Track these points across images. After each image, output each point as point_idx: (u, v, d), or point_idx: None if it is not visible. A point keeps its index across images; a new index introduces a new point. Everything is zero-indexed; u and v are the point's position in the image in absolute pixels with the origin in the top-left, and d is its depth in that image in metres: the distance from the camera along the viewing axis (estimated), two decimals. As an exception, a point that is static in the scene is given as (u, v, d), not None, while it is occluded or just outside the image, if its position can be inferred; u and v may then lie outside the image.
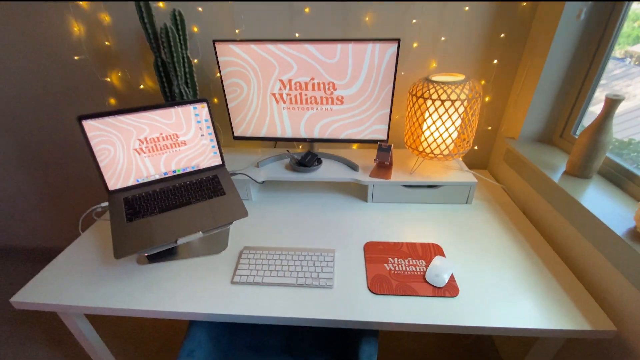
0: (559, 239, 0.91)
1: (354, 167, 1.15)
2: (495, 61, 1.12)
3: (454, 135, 1.02)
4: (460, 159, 1.21)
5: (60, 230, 1.76)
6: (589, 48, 0.96)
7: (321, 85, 1.05)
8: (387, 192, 1.10)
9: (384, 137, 1.12)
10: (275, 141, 1.30)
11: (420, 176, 1.09)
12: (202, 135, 0.99)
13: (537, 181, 0.99)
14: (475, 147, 1.30)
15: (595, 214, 0.77)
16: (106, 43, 1.18)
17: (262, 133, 1.17)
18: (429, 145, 1.03)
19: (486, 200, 1.11)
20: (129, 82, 1.25)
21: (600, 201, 0.81)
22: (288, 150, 1.28)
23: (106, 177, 0.90)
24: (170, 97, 1.09)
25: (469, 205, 1.09)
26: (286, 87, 1.06)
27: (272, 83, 1.06)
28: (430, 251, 0.90)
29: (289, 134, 1.16)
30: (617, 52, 0.93)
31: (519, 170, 1.09)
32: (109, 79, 1.25)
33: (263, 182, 1.16)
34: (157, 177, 0.97)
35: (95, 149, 0.87)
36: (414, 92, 1.01)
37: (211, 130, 1.00)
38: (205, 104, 0.96)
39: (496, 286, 0.78)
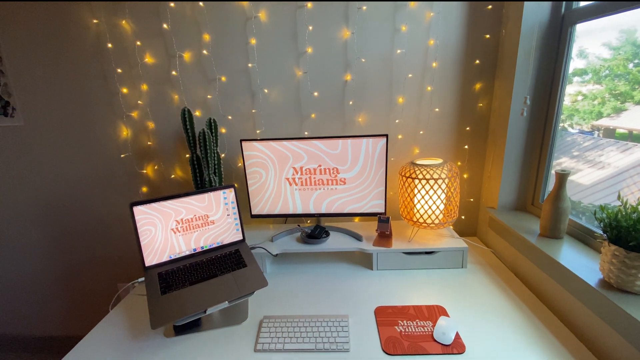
0: (546, 293, 1.01)
1: (358, 237, 1.30)
2: (466, 146, 1.39)
3: (441, 206, 1.20)
4: (451, 227, 1.37)
5: (73, 318, 1.76)
6: (536, 134, 1.23)
7: (327, 170, 1.27)
8: (390, 260, 1.22)
9: (382, 210, 1.29)
10: (287, 217, 1.47)
11: (417, 244, 1.23)
12: (228, 215, 1.16)
13: (519, 244, 1.13)
14: (463, 217, 1.48)
15: (570, 269, 0.90)
16: (148, 143, 1.44)
17: (276, 211, 1.34)
18: (421, 216, 1.21)
19: (479, 264, 1.23)
20: (162, 173, 1.48)
21: (572, 257, 0.95)
22: (299, 225, 1.43)
23: (145, 254, 1.03)
24: (200, 184, 1.30)
25: (465, 269, 1.21)
26: (298, 172, 1.28)
27: (286, 170, 1.28)
28: (435, 312, 0.98)
29: (299, 210, 1.33)
30: (585, 126, 1.14)
31: (503, 235, 1.25)
32: (145, 171, 1.48)
33: (277, 254, 1.28)
34: (188, 253, 1.10)
35: (140, 230, 1.02)
36: (403, 173, 1.24)
37: (236, 210, 1.17)
38: (232, 189, 1.16)
39: (498, 341, 0.85)
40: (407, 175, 1.21)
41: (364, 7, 1.24)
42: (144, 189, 1.51)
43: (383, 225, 1.24)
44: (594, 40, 1.06)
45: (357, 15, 1.25)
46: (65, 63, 1.36)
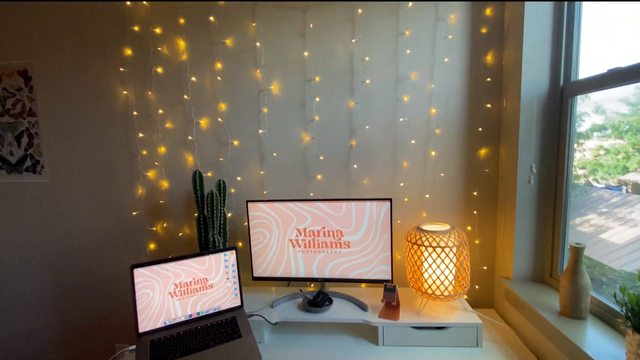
0: (578, 388, 0.89)
1: (363, 307, 1.22)
2: (475, 212, 1.35)
3: (450, 277, 1.14)
4: (464, 298, 1.28)
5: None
6: (547, 201, 1.19)
7: (331, 233, 1.26)
8: (397, 334, 1.13)
9: (388, 277, 1.24)
10: (290, 281, 1.42)
11: (427, 317, 1.14)
12: (228, 279, 1.14)
13: (538, 322, 1.03)
14: (477, 287, 1.38)
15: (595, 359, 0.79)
16: (160, 201, 1.50)
17: (279, 273, 1.31)
18: (429, 287, 1.14)
19: (496, 342, 1.12)
20: (170, 231, 1.51)
21: (597, 343, 0.85)
22: (301, 290, 1.38)
23: (139, 319, 1.00)
24: (205, 245, 1.30)
25: (480, 348, 1.09)
26: (302, 234, 1.27)
27: (290, 231, 1.27)
28: (447, 404, 0.87)
29: (302, 273, 1.30)
30: (611, 181, 1.10)
31: (520, 309, 1.14)
32: (154, 229, 1.51)
33: (276, 323, 1.21)
34: (183, 319, 1.06)
35: (137, 294, 1.01)
36: (409, 239, 1.20)
37: (236, 273, 1.15)
38: (234, 252, 1.15)
39: None
40: (414, 241, 1.18)
41: (367, 81, 1.33)
42: (152, 246, 1.52)
43: (389, 294, 1.18)
44: (610, 98, 1.06)
45: (361, 88, 1.34)
46: (94, 127, 1.49)
